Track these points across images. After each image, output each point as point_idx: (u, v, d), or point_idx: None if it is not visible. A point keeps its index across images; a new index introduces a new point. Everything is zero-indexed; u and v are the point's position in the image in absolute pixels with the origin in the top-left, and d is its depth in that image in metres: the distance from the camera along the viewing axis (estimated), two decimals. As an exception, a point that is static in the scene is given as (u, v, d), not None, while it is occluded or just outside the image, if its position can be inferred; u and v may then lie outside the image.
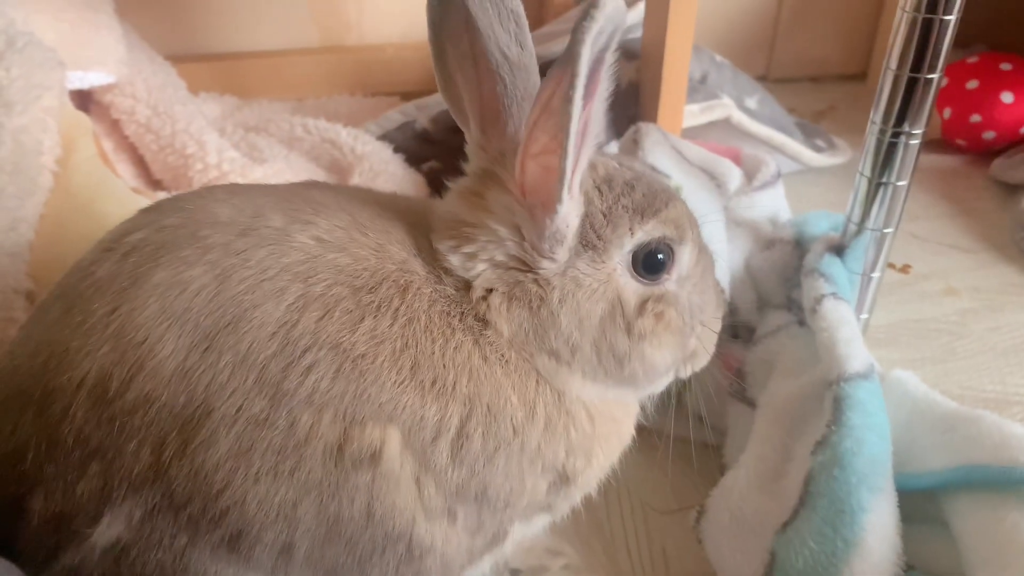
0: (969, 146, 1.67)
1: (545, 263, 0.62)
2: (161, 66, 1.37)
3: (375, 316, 0.59)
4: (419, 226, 0.67)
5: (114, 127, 1.29)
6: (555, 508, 0.70)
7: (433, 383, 0.59)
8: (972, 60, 1.66)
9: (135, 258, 0.59)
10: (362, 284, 0.59)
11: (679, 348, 0.68)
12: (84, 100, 1.28)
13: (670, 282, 0.67)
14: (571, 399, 0.65)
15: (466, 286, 0.63)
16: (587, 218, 0.63)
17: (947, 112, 1.65)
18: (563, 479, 0.67)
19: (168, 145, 1.24)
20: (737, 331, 1.04)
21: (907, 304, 1.26)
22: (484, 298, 0.63)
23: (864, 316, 1.04)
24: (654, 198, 0.65)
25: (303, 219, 0.61)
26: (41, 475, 0.56)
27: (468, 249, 0.63)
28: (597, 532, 0.90)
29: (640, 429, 0.89)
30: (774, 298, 1.05)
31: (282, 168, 1.26)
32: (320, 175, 1.34)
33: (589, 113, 0.56)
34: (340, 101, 1.69)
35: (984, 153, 1.66)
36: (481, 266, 0.63)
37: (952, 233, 1.46)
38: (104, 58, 1.22)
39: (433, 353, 0.60)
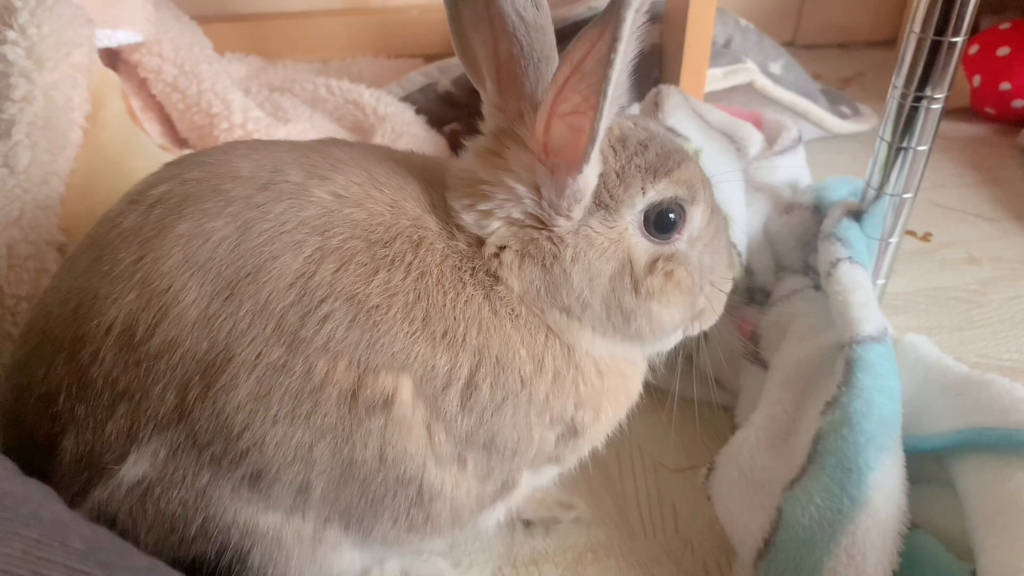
0: (998, 114, 1.65)
1: (561, 221, 0.63)
2: (188, 26, 1.38)
3: (389, 269, 0.60)
4: (434, 183, 0.68)
5: (142, 86, 1.30)
6: (563, 460, 0.72)
7: (444, 334, 0.61)
8: (1004, 27, 1.63)
9: (160, 210, 0.61)
10: (377, 238, 0.61)
11: (687, 307, 0.69)
12: (112, 59, 1.30)
13: (681, 242, 0.68)
14: (581, 354, 0.67)
15: (478, 242, 0.65)
16: (601, 177, 0.64)
17: (976, 79, 1.62)
18: (571, 432, 0.68)
19: (194, 104, 1.26)
20: (753, 295, 1.05)
21: (927, 272, 1.26)
22: (496, 255, 0.64)
23: (881, 282, 1.04)
24: (667, 158, 0.66)
25: (321, 174, 0.63)
26: (72, 416, 0.59)
27: (484, 207, 0.64)
28: (608, 488, 0.92)
29: (655, 389, 0.91)
30: (791, 262, 1.05)
31: (306, 128, 1.28)
32: (343, 136, 1.35)
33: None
34: (364, 62, 1.69)
35: (1013, 122, 1.64)
36: (496, 223, 0.64)
37: (976, 202, 1.44)
38: (132, 17, 1.23)
39: (444, 306, 0.62)
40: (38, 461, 0.60)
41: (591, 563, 0.84)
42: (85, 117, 0.95)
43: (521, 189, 0.63)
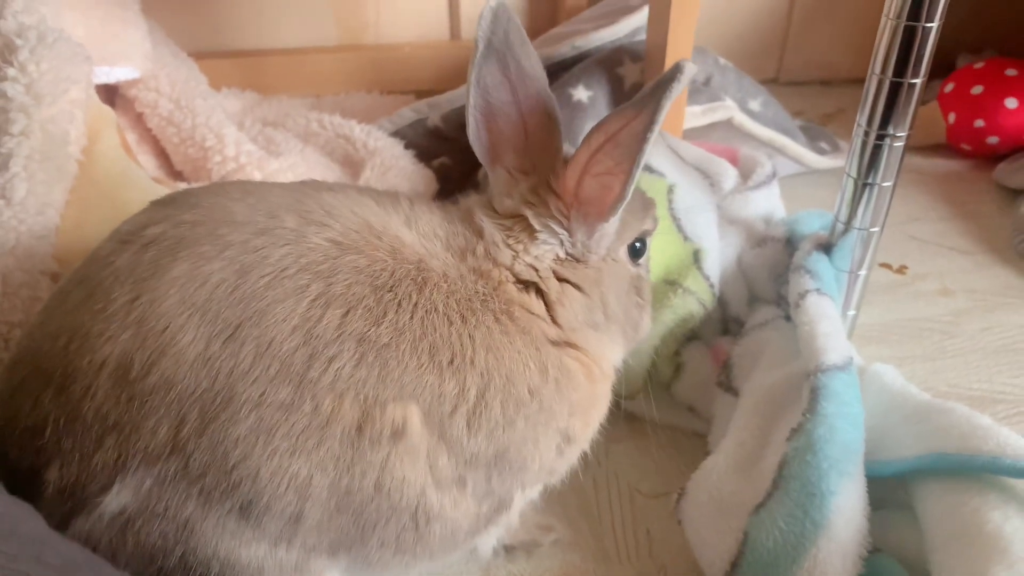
0: (973, 150, 1.69)
1: (593, 256, 0.76)
2: (184, 62, 1.42)
3: (396, 311, 0.64)
4: (425, 226, 0.72)
5: (138, 120, 1.34)
6: (556, 471, 0.77)
7: (451, 361, 0.65)
8: (978, 65, 1.67)
9: (153, 251, 0.62)
10: (383, 283, 0.65)
11: (649, 314, 0.85)
12: (110, 94, 1.34)
13: (642, 265, 0.81)
14: (570, 361, 0.73)
15: (488, 276, 0.71)
16: None
17: (952, 117, 1.67)
18: (567, 440, 0.73)
19: (189, 138, 1.29)
20: (727, 325, 1.08)
21: (902, 304, 1.29)
22: (526, 289, 0.73)
23: (852, 312, 1.07)
24: (647, 200, 0.80)
25: (317, 221, 0.66)
26: (59, 448, 0.59)
27: (535, 250, 0.74)
28: (585, 513, 0.94)
29: (632, 417, 0.93)
30: (764, 294, 1.08)
31: (297, 161, 1.31)
32: (334, 169, 1.38)
33: None
34: (357, 98, 1.73)
35: (988, 157, 1.68)
36: (544, 262, 0.74)
37: (951, 235, 1.48)
38: (130, 54, 1.27)
39: (451, 336, 0.66)
40: (21, 493, 0.60)
41: (566, 586, 0.86)
42: (81, 150, 0.98)
43: (563, 233, 0.74)
